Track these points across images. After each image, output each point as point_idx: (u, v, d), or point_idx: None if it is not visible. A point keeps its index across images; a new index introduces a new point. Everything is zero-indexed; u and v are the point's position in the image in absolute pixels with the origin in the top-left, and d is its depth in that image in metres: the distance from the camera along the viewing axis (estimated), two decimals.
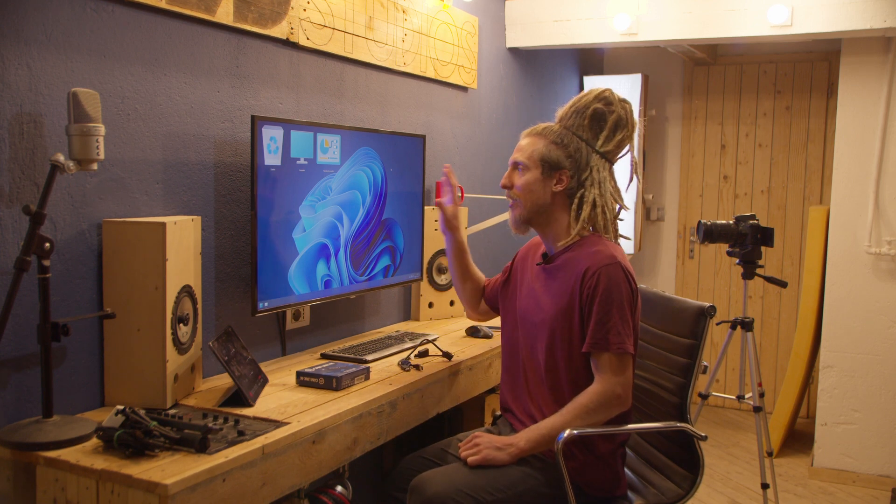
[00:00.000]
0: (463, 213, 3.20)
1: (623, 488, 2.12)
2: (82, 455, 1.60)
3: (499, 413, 2.30)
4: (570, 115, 2.10)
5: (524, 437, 2.00)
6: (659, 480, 2.23)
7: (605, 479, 2.07)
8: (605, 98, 2.07)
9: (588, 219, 2.07)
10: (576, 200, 2.08)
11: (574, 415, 1.97)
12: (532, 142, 2.10)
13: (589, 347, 1.98)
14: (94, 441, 1.67)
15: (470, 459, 1.99)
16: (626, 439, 2.17)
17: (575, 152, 2.07)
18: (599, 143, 2.07)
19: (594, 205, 2.06)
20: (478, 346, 2.71)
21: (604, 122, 2.07)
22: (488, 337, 2.82)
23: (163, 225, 1.85)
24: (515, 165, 2.13)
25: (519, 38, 3.94)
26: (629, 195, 4.64)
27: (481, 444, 2.02)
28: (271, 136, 2.23)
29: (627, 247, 4.69)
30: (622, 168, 2.16)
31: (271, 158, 2.24)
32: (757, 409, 3.24)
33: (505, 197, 2.19)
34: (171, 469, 1.53)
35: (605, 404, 1.97)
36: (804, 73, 4.72)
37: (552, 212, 2.09)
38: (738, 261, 3.30)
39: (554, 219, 2.10)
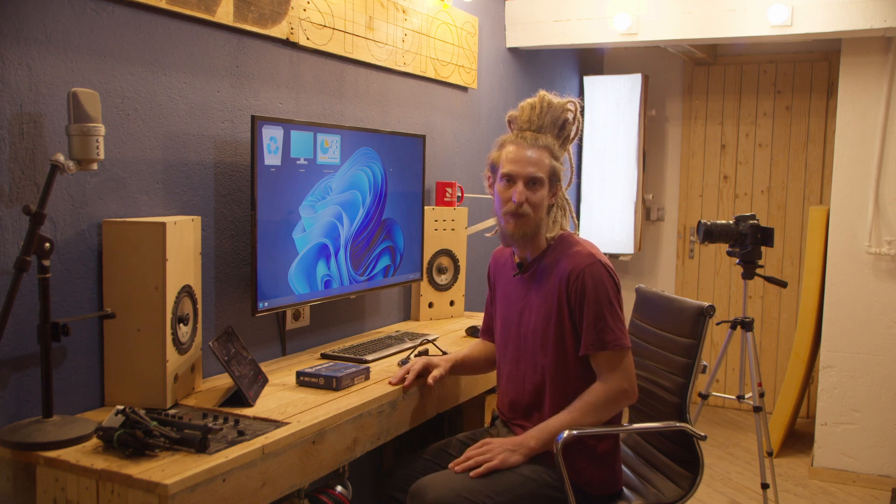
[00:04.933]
0: (462, 213, 3.20)
1: (619, 484, 2.13)
2: (82, 455, 1.60)
3: (497, 414, 2.30)
4: (548, 125, 2.10)
5: (534, 437, 2.01)
6: (659, 480, 2.23)
7: (603, 478, 2.08)
8: (569, 108, 2.11)
9: (557, 220, 2.12)
10: (553, 209, 2.13)
11: (581, 412, 1.98)
12: (541, 155, 2.05)
13: (586, 349, 2.00)
14: (94, 441, 1.67)
15: (486, 466, 1.96)
16: (625, 437, 2.18)
17: (559, 166, 2.10)
18: (560, 148, 2.13)
19: (560, 207, 2.13)
20: None
21: (566, 129, 2.12)
22: None
23: (163, 225, 1.85)
24: (531, 181, 2.04)
25: (519, 38, 3.94)
26: (629, 194, 4.67)
27: (494, 448, 2.00)
28: (271, 136, 2.23)
29: (627, 246, 4.69)
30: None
31: (271, 158, 2.24)
32: (757, 409, 3.24)
33: (504, 211, 2.06)
34: (171, 469, 1.53)
35: (613, 400, 1.99)
36: (804, 73, 4.72)
37: (542, 223, 2.09)
38: (738, 261, 3.30)
39: (540, 230, 2.10)
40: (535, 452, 2.00)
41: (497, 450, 2.00)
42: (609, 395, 1.98)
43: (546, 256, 2.10)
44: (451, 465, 2.02)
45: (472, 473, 1.97)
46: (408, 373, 2.22)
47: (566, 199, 2.17)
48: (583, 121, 2.21)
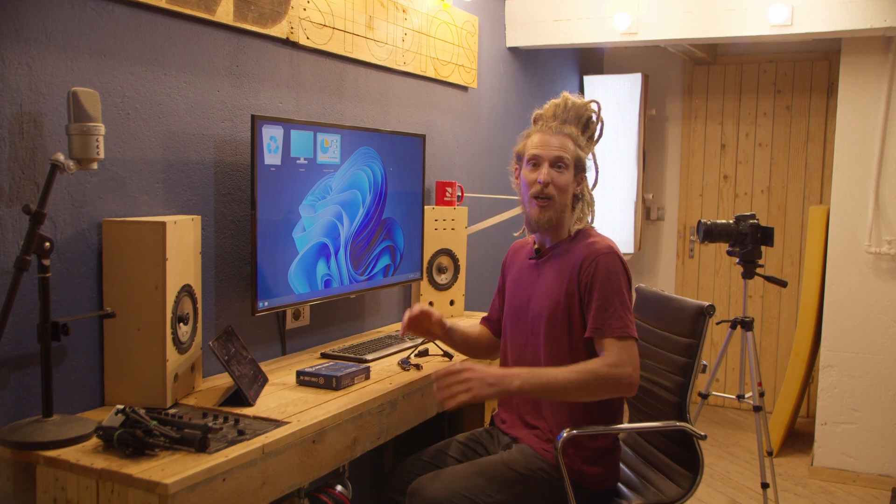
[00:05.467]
0: (462, 213, 3.20)
1: (615, 480, 2.14)
2: (82, 454, 1.60)
3: (494, 416, 2.30)
4: (572, 120, 2.15)
5: (520, 377, 1.90)
6: (659, 480, 2.23)
7: (601, 474, 2.08)
8: (592, 107, 2.17)
9: (582, 215, 2.15)
10: (580, 203, 2.16)
11: (580, 376, 1.90)
12: (565, 141, 2.10)
13: (591, 332, 1.98)
14: (94, 440, 1.67)
15: (459, 400, 1.85)
16: (625, 436, 2.17)
17: (584, 156, 2.15)
18: (587, 145, 2.17)
19: (587, 202, 2.16)
20: None
21: (590, 128, 2.18)
22: None
23: (163, 224, 1.85)
24: (556, 163, 2.07)
25: (519, 37, 3.94)
26: (629, 194, 4.67)
27: (473, 379, 1.87)
28: (271, 136, 2.23)
29: (627, 246, 4.69)
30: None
31: (271, 158, 2.24)
32: (757, 409, 3.24)
33: (530, 194, 2.08)
34: (170, 468, 1.53)
35: (614, 378, 1.91)
36: (804, 72, 4.72)
37: (567, 212, 2.12)
38: (738, 260, 3.30)
39: (565, 219, 2.12)
40: (514, 393, 1.92)
41: (475, 383, 1.87)
42: (614, 372, 1.91)
43: (563, 245, 2.12)
44: (452, 446, 2.02)
45: (444, 406, 1.87)
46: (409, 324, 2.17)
47: (591, 196, 2.19)
48: (604, 121, 2.24)
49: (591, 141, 2.19)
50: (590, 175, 2.19)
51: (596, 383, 1.91)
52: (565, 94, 2.18)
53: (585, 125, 2.16)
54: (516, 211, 3.30)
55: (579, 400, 1.98)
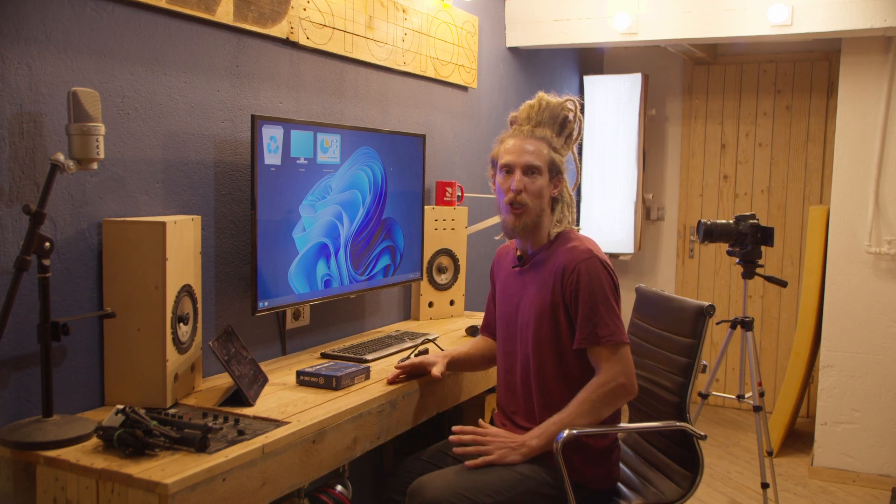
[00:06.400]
0: (462, 213, 3.20)
1: (616, 480, 2.14)
2: (82, 454, 1.60)
3: (494, 416, 2.30)
4: (547, 121, 2.12)
5: (535, 437, 2.00)
6: (659, 480, 2.23)
7: (601, 475, 2.09)
8: (568, 106, 2.14)
9: (562, 217, 2.13)
10: (559, 205, 2.14)
11: (581, 409, 1.98)
12: (538, 146, 2.08)
13: (579, 343, 2.00)
14: (94, 440, 1.67)
15: (483, 459, 1.98)
16: (625, 436, 2.17)
17: (560, 158, 2.12)
18: (564, 146, 2.14)
19: (566, 203, 2.14)
20: None
21: (567, 127, 2.14)
22: None
23: (163, 224, 1.85)
24: (529, 170, 2.06)
25: (519, 37, 3.94)
26: (629, 194, 4.67)
27: (495, 442, 2.01)
28: (271, 136, 2.23)
29: (627, 246, 4.69)
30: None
31: (271, 158, 2.24)
32: (757, 409, 3.24)
33: (505, 202, 2.09)
34: (170, 468, 1.53)
35: (610, 394, 1.98)
36: (804, 72, 4.72)
37: (544, 216, 2.11)
38: (738, 260, 3.30)
39: (543, 223, 2.11)
40: (535, 452, 2.00)
41: (497, 444, 2.00)
42: (606, 390, 1.98)
43: (545, 250, 2.11)
44: (452, 446, 2.05)
45: (467, 463, 1.99)
46: (402, 373, 2.23)
47: (571, 196, 2.17)
48: (583, 119, 2.21)
49: (570, 140, 2.16)
50: (572, 176, 2.18)
51: (596, 407, 1.98)
52: (540, 94, 2.15)
53: (562, 125, 2.13)
54: None
55: (597, 421, 2.01)
